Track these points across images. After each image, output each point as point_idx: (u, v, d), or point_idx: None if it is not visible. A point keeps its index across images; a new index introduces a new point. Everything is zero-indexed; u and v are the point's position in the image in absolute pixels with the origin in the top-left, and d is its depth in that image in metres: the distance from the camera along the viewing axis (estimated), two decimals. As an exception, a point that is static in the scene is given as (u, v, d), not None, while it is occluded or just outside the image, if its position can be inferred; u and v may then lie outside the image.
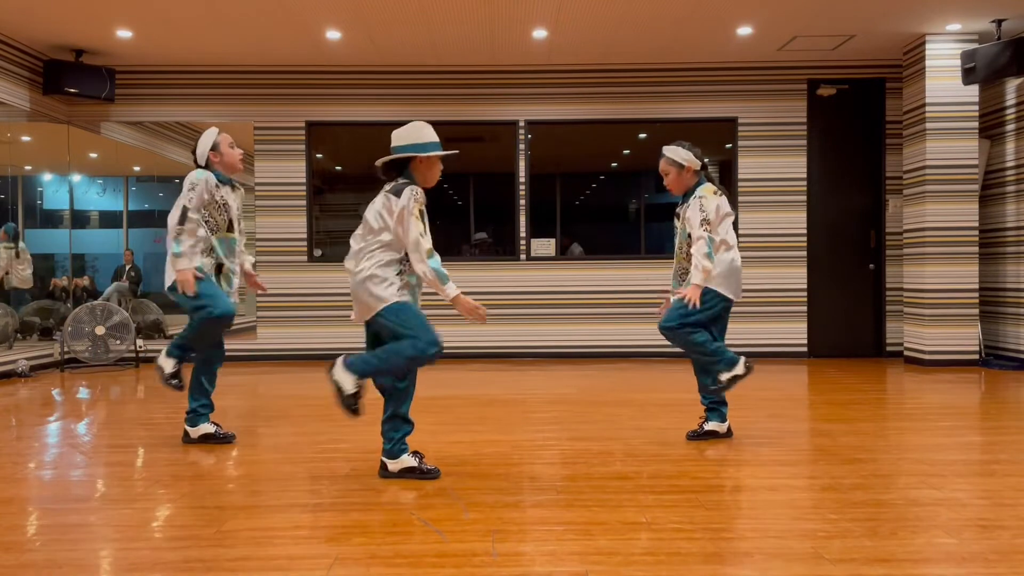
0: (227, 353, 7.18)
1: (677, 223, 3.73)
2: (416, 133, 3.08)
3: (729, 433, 3.76)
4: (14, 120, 6.65)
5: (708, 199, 3.54)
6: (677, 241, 3.72)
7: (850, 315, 7.25)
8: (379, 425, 3.10)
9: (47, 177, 7.71)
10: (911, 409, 4.60)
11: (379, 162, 3.10)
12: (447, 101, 7.14)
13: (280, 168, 7.12)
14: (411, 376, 3.06)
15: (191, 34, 6.23)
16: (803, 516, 2.59)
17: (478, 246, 7.57)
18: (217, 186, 3.62)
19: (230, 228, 3.67)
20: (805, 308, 7.17)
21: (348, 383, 2.93)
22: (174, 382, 3.71)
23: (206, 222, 3.58)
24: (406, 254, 2.95)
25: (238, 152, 3.74)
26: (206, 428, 3.74)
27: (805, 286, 7.17)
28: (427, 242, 2.90)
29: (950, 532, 2.42)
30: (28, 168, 7.54)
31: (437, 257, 2.92)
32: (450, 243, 7.62)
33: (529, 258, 7.17)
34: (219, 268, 3.64)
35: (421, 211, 2.93)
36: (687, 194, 3.66)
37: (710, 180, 3.66)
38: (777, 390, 5.31)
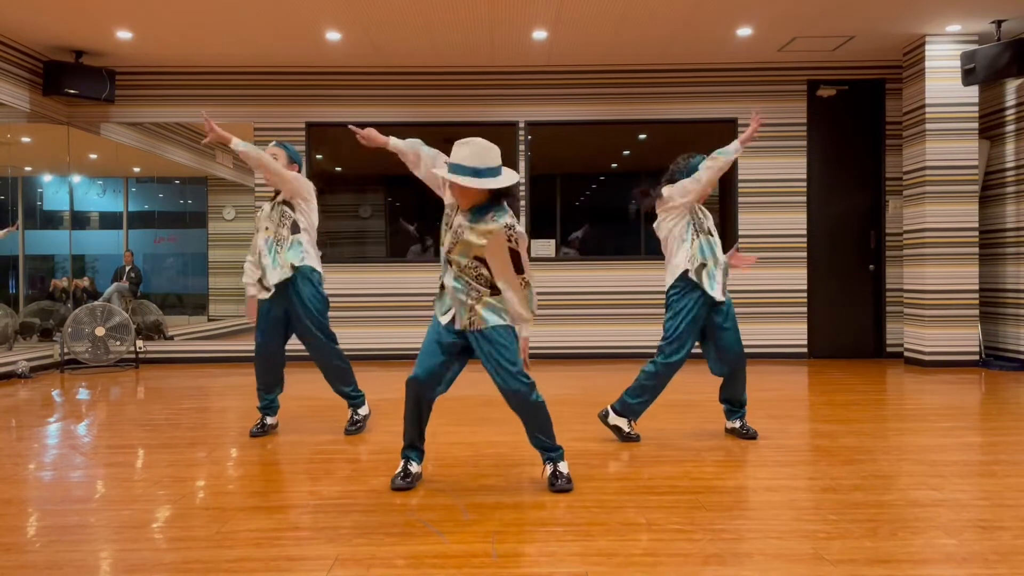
0: (225, 354, 7.24)
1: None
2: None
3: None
4: (14, 121, 6.65)
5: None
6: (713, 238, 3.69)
7: (850, 316, 7.25)
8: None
9: (47, 178, 7.71)
10: (911, 410, 4.59)
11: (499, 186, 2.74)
12: (447, 102, 7.14)
13: (280, 169, 7.10)
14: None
15: (191, 35, 6.23)
16: (803, 517, 2.59)
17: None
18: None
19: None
20: (805, 309, 7.17)
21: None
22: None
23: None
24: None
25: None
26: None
27: (805, 287, 7.17)
28: None
29: (950, 533, 2.42)
30: (28, 169, 7.54)
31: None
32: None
33: (529, 259, 7.16)
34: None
35: None
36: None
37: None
38: (777, 391, 5.30)
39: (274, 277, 3.72)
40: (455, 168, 2.69)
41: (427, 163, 3.07)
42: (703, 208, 3.71)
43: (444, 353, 2.88)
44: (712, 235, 3.65)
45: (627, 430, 3.73)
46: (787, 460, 3.37)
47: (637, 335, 7.08)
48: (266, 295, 3.76)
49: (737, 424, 3.83)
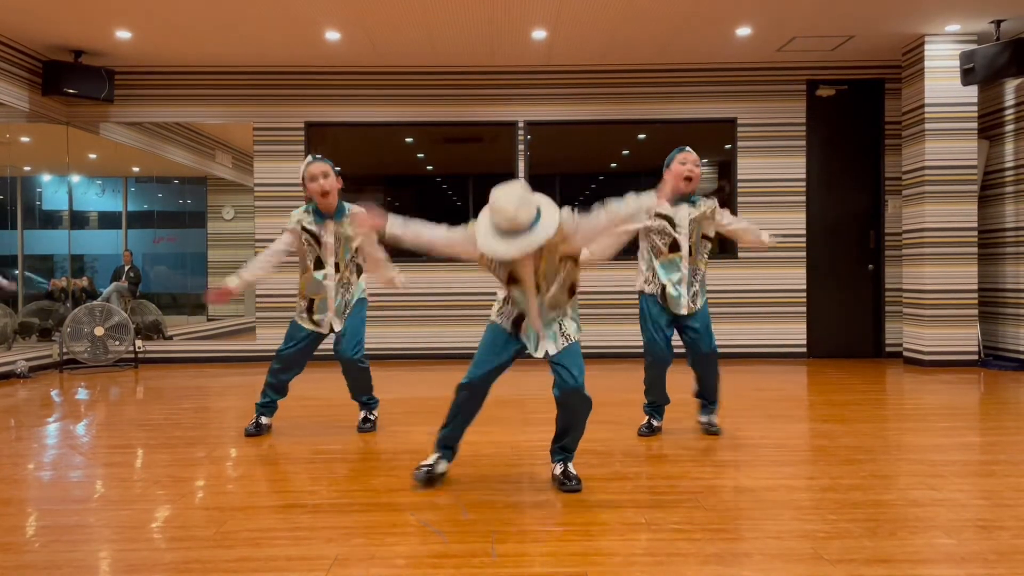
0: (226, 353, 7.24)
1: (680, 226, 3.80)
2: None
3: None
4: (13, 121, 6.64)
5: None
6: (690, 242, 3.79)
7: (849, 316, 7.25)
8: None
9: (46, 178, 7.71)
10: (910, 409, 4.60)
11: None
12: (446, 102, 7.14)
13: (279, 169, 7.11)
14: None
15: (190, 35, 6.23)
16: (802, 516, 2.59)
17: None
18: (309, 223, 3.65)
19: (318, 266, 3.73)
20: (804, 308, 7.17)
21: None
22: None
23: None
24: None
25: (318, 184, 3.58)
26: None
27: (804, 286, 7.17)
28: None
29: (949, 532, 2.42)
30: (27, 169, 7.54)
31: None
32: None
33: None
34: (310, 304, 3.82)
35: None
36: (683, 198, 3.88)
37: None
38: (776, 390, 5.31)
39: (337, 325, 3.86)
40: (503, 235, 2.62)
41: (457, 243, 2.94)
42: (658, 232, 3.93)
43: (504, 360, 2.92)
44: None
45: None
46: (787, 460, 3.37)
47: (637, 334, 7.06)
48: (312, 328, 3.86)
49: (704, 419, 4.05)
